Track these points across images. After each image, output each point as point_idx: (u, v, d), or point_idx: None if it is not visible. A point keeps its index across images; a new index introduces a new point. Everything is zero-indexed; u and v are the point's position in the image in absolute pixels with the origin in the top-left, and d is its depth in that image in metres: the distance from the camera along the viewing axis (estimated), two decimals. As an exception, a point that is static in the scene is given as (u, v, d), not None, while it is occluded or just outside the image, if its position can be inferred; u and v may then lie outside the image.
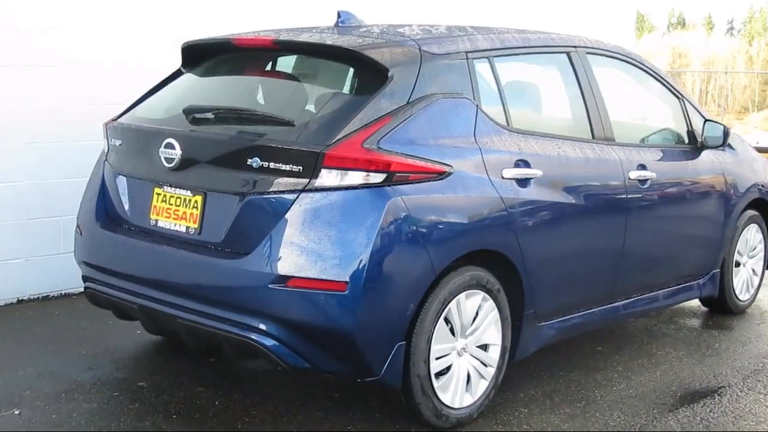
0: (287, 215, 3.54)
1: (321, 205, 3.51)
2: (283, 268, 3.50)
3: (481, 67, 4.14)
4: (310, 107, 3.83)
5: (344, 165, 3.51)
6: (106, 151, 4.34)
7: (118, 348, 4.83)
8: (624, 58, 5.05)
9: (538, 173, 4.13)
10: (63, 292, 5.80)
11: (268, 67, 4.23)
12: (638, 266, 4.87)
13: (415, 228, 3.59)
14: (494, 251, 3.95)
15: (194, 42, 4.33)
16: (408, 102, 3.74)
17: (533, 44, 4.51)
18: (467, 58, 4.07)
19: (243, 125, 3.81)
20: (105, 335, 5.01)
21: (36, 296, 5.69)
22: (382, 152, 3.56)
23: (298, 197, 3.54)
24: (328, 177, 3.52)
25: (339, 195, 3.52)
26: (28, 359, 4.60)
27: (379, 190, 3.53)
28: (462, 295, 3.83)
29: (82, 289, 5.85)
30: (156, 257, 3.89)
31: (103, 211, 4.22)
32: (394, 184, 3.56)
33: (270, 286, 3.51)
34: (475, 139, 3.93)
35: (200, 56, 4.41)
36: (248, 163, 3.61)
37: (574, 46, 4.70)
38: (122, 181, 4.15)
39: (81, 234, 4.30)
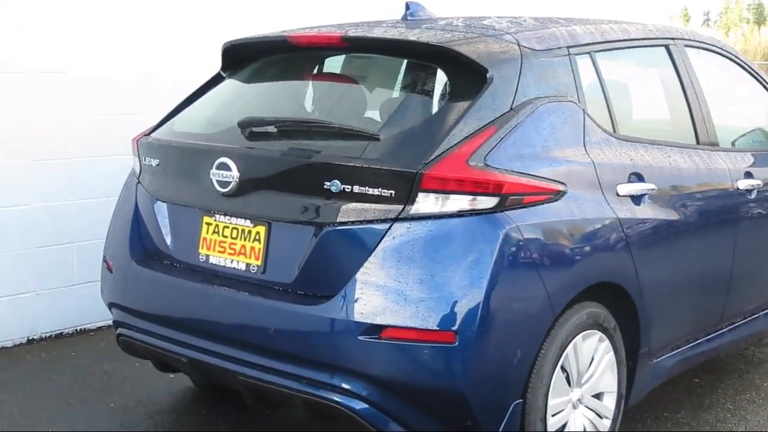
0: (377, 250, 2.89)
1: (419, 237, 2.87)
2: (376, 315, 2.85)
3: (583, 64, 3.50)
4: (394, 117, 3.17)
5: (446, 187, 2.87)
6: (137, 171, 3.67)
7: (151, 398, 4.17)
8: (720, 51, 4.43)
9: (652, 188, 3.51)
10: (78, 328, 5.13)
11: (331, 70, 3.57)
12: (746, 287, 4.27)
13: (532, 262, 2.95)
14: (611, 283, 3.32)
15: (239, 41, 3.67)
16: (511, 108, 3.10)
17: (633, 36, 3.87)
18: (569, 54, 3.43)
19: (315, 140, 3.15)
20: (134, 382, 4.34)
21: (48, 334, 5.01)
22: (491, 170, 2.92)
23: (390, 228, 2.89)
24: (425, 202, 2.88)
25: (441, 224, 2.87)
26: (49, 417, 3.93)
27: (491, 218, 2.89)
28: (579, 337, 3.20)
29: (99, 324, 5.23)
30: (208, 301, 3.23)
31: (139, 244, 3.55)
32: (506, 209, 2.91)
33: (359, 338, 2.86)
34: (585, 150, 3.30)
35: (245, 58, 3.75)
36: (325, 186, 2.96)
37: (672, 38, 4.09)
38: (162, 209, 3.48)
39: (111, 271, 3.63)
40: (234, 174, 3.15)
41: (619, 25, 3.85)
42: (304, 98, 3.47)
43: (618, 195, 3.35)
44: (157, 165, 3.50)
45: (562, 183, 3.11)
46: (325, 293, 2.97)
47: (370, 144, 3.01)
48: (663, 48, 4.02)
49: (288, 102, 3.50)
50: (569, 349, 3.16)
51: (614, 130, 3.51)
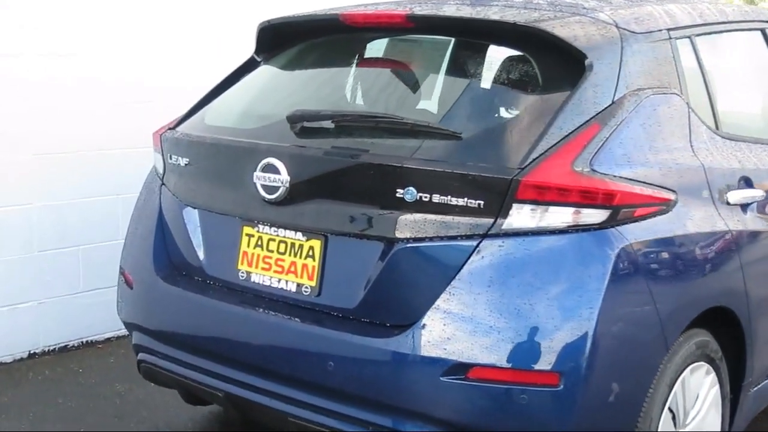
0: (463, 272, 2.40)
1: (514, 258, 2.38)
2: (462, 352, 2.36)
3: (684, 50, 3.00)
4: (478, 112, 2.66)
5: (546, 197, 2.38)
6: (161, 171, 3.16)
7: (171, 425, 3.67)
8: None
9: (760, 194, 3.02)
10: (84, 340, 4.62)
11: (389, 54, 3.05)
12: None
13: (645, 287, 2.47)
14: (721, 307, 2.83)
15: (280, 21, 3.16)
16: (613, 101, 2.60)
17: (730, 19, 3.37)
18: (670, 38, 2.93)
19: (383, 139, 2.65)
20: (150, 407, 3.85)
21: (52, 347, 4.50)
22: (599, 177, 2.42)
23: (478, 245, 2.40)
24: (520, 215, 2.38)
25: (540, 242, 2.38)
26: (58, 451, 3.43)
27: (601, 235, 2.39)
28: (687, 371, 2.72)
29: (107, 336, 4.73)
30: (250, 327, 2.74)
31: (164, 256, 3.05)
32: (617, 224, 2.42)
33: (441, 378, 2.36)
34: (693, 152, 2.81)
35: (285, 40, 3.23)
36: (397, 195, 2.46)
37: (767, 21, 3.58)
38: (192, 216, 2.97)
39: (131, 287, 3.12)
40: (283, 178, 2.64)
41: (715, 6, 3.35)
42: (360, 88, 2.95)
43: (728, 203, 2.86)
44: (187, 165, 2.99)
45: (673, 191, 2.62)
46: (398, 322, 2.47)
47: (452, 144, 2.51)
48: (759, 32, 3.52)
49: (341, 93, 2.99)
50: (677, 385, 2.68)
51: (717, 127, 3.03)
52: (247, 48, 3.33)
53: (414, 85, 2.84)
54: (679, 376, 2.67)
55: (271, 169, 2.67)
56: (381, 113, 2.74)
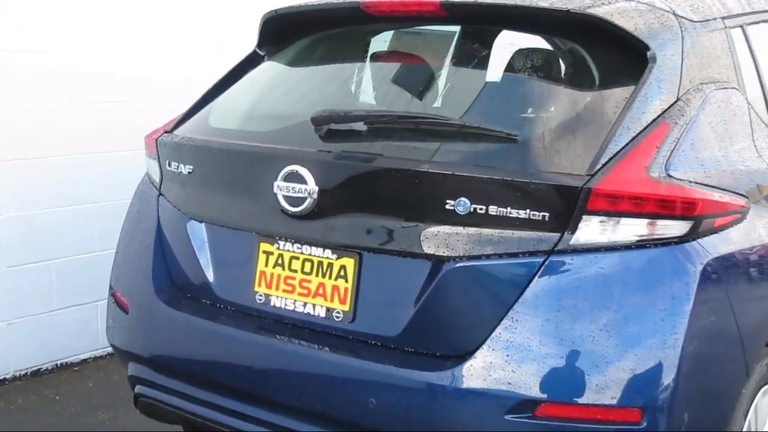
0: (526, 295, 2.10)
1: (585, 278, 2.08)
2: (528, 386, 2.06)
3: (738, 40, 2.74)
4: (533, 111, 2.36)
5: (619, 208, 2.09)
6: (157, 180, 2.80)
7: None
8: None
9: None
10: (59, 363, 4.24)
11: (418, 48, 2.73)
12: None
13: (729, 306, 2.20)
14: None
15: (290, 10, 2.82)
16: (678, 98, 2.32)
17: (775, 6, 3.12)
18: (725, 27, 2.66)
19: (426, 143, 2.33)
20: (140, 437, 3.48)
21: (23, 372, 4.12)
22: (676, 183, 2.13)
23: (543, 264, 2.10)
24: (590, 228, 2.09)
25: (614, 259, 2.09)
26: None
27: (683, 250, 2.11)
28: (759, 395, 2.46)
29: (84, 356, 4.34)
30: (269, 357, 2.41)
31: (165, 276, 2.70)
32: (698, 236, 2.14)
33: (506, 417, 2.06)
34: (757, 152, 2.55)
35: (293, 32, 2.90)
36: (447, 206, 2.15)
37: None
38: (198, 231, 2.63)
39: (126, 311, 2.77)
40: (310, 188, 2.31)
41: (757, -8, 3.10)
42: (387, 86, 2.63)
43: (794, 208, 2.60)
44: (191, 173, 2.64)
45: (744, 196, 2.36)
46: (449, 352, 2.17)
47: (507, 148, 2.21)
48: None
49: (366, 91, 2.66)
50: (751, 411, 2.41)
51: (773, 124, 2.77)
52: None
53: (451, 82, 2.53)
54: (752, 400, 2.41)
55: (295, 177, 2.34)
56: (423, 114, 2.41)
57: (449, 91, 2.46)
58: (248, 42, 3.00)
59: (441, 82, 2.51)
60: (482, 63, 2.46)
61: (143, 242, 2.79)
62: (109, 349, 4.26)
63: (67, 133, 4.10)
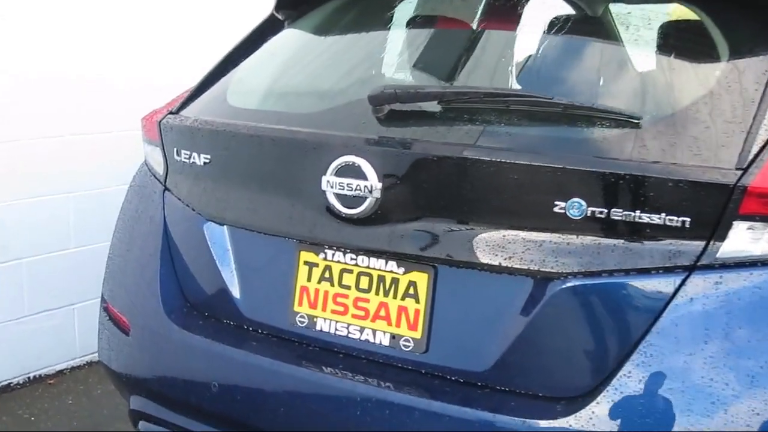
0: (664, 321, 1.65)
1: (739, 299, 1.63)
2: (672, 437, 1.60)
3: None
4: (650, 87, 1.88)
5: (776, 211, 1.63)
6: (161, 172, 2.30)
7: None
8: None
9: None
10: (31, 376, 3.71)
11: (496, 8, 2.22)
12: None
13: None
14: None
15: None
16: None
17: None
18: None
19: (522, 127, 1.85)
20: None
21: (-10, 388, 3.57)
22: None
23: (684, 282, 1.64)
24: (741, 236, 1.63)
25: (772, 276, 1.63)
26: None
27: None
28: None
29: (60, 367, 3.82)
30: (313, 394, 1.92)
31: (175, 291, 2.20)
32: None
33: (645, 479, 1.61)
34: None
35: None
36: (556, 209, 1.68)
37: None
38: (219, 236, 2.13)
39: (126, 332, 2.26)
40: (371, 184, 1.83)
41: None
42: (455, 57, 2.12)
43: None
44: (208, 164, 2.14)
45: None
46: (556, 394, 1.71)
47: (629, 136, 1.73)
48: None
49: (428, 63, 2.15)
50: None
51: None
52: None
53: (535, 53, 2.03)
54: None
55: (351, 171, 1.85)
56: (519, 91, 1.93)
57: (535, 64, 1.97)
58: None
59: (520, 52, 2.02)
60: (581, 29, 1.98)
61: (146, 248, 2.28)
62: (89, 358, 3.75)
63: (31, 114, 3.55)
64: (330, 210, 1.90)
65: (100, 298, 2.48)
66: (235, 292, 2.09)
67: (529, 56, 1.96)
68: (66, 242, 3.73)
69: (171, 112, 2.33)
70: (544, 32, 1.96)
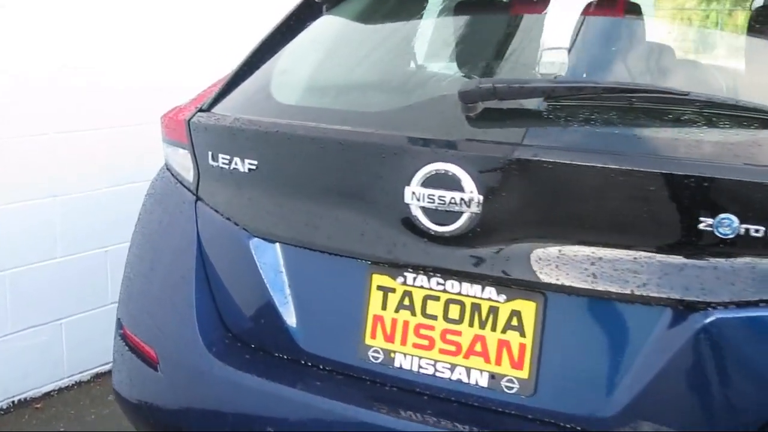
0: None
1: None
2: None
3: None
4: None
5: None
6: (191, 179, 1.98)
7: None
8: None
9: None
10: (15, 399, 3.36)
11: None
12: None
13: None
14: None
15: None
16: None
17: None
18: None
19: (652, 128, 1.56)
20: None
21: (-29, 415, 3.21)
22: None
23: None
24: None
25: None
26: None
27: None
28: None
29: (47, 389, 3.46)
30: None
31: (213, 318, 1.89)
32: None
33: None
34: None
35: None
36: (700, 226, 1.41)
37: None
38: (270, 255, 1.82)
39: (154, 366, 1.94)
40: (469, 197, 1.53)
41: None
42: (557, 45, 1.81)
43: None
44: (254, 171, 1.82)
45: None
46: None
47: (785, 135, 1.46)
48: None
49: (525, 52, 1.85)
50: None
51: None
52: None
53: (669, 37, 1.75)
54: None
55: (443, 181, 1.56)
56: (648, 86, 1.64)
57: (655, 54, 1.69)
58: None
59: (635, 39, 1.73)
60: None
61: (176, 268, 1.96)
62: (78, 377, 3.42)
63: (11, 110, 3.18)
64: (414, 226, 1.60)
65: (116, 322, 2.15)
66: (291, 320, 1.79)
67: (650, 44, 1.68)
68: (52, 251, 3.37)
69: (201, 110, 2.01)
70: (664, 15, 1.67)
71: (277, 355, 1.81)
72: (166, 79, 3.64)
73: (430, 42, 1.92)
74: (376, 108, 1.79)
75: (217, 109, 1.99)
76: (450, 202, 1.55)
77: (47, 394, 3.42)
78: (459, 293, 1.62)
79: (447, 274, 1.62)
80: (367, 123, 1.71)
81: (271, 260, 1.81)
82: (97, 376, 3.59)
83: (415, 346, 1.66)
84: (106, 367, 3.60)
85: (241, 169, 1.84)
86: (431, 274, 1.64)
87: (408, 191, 1.59)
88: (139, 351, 2.01)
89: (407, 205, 1.59)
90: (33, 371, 3.37)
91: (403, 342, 1.67)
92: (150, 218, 2.11)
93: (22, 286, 3.29)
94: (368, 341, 1.70)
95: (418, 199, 1.58)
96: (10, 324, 3.27)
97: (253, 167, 1.82)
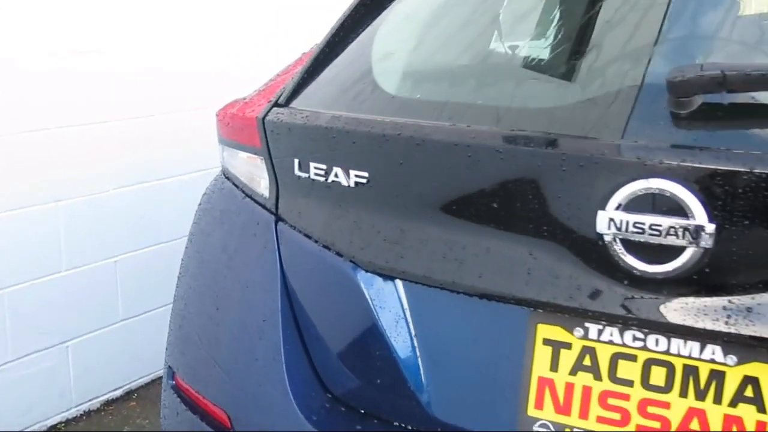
0: None
1: None
2: None
3: None
4: None
5: None
6: (267, 193, 1.54)
7: None
8: None
9: None
10: (18, 436, 2.90)
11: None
12: None
13: None
14: None
15: None
16: None
17: None
18: None
19: None
20: None
21: (-33, 458, 2.76)
22: None
23: None
24: None
25: None
26: None
27: None
28: None
29: (52, 422, 3.01)
30: None
31: (308, 375, 1.47)
32: None
33: None
34: None
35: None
36: None
37: None
38: (387, 293, 1.39)
39: (229, 426, 1.51)
40: (698, 225, 1.12)
41: None
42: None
43: None
44: (364, 185, 1.40)
45: None
46: None
47: None
48: None
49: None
50: None
51: None
52: None
53: None
54: None
55: (656, 204, 1.14)
56: None
57: None
58: None
59: None
60: None
61: (254, 309, 1.53)
62: (87, 406, 2.99)
63: (15, 103, 2.72)
64: (609, 264, 1.19)
65: (166, 370, 1.72)
66: (418, 380, 1.37)
67: None
68: (56, 264, 2.92)
69: (277, 104, 1.57)
70: None
71: (397, 424, 1.39)
72: (184, 64, 3.19)
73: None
74: (540, 102, 1.36)
75: (299, 104, 1.56)
76: (668, 233, 1.13)
77: (54, 428, 2.98)
78: (666, 352, 1.21)
79: (649, 326, 1.20)
80: (532, 123, 1.28)
81: (390, 302, 1.38)
82: (108, 403, 3.16)
83: (602, 420, 1.24)
84: (118, 393, 3.17)
85: (345, 183, 1.41)
86: (626, 325, 1.22)
87: (603, 218, 1.17)
88: (201, 410, 1.59)
89: (600, 235, 1.18)
90: (37, 403, 2.93)
91: (584, 414, 1.25)
92: (209, 242, 1.67)
93: (23, 306, 2.84)
94: (532, 412, 1.28)
95: (619, 229, 1.16)
96: (11, 351, 2.83)
97: (363, 180, 1.39)
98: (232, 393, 1.53)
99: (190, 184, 3.28)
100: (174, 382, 1.68)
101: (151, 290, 3.22)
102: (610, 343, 1.24)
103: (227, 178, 1.72)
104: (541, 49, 1.44)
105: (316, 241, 1.46)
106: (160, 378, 3.33)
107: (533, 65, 1.43)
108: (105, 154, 3.01)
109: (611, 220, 1.16)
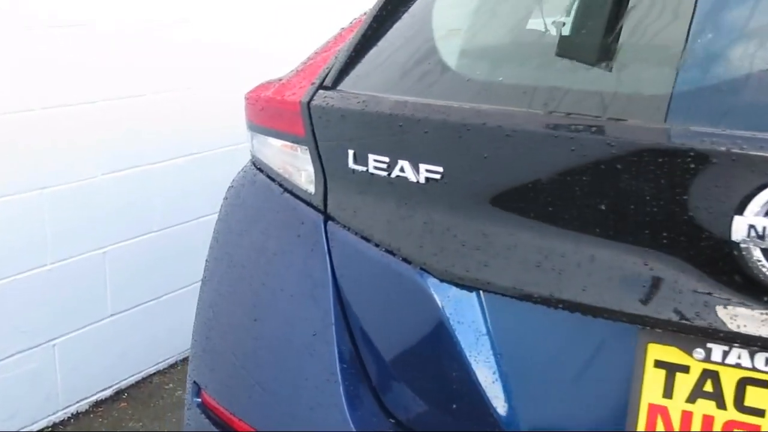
0: None
1: None
2: None
3: None
4: None
5: None
6: (317, 190, 1.35)
7: None
8: None
9: None
10: (7, 442, 2.69)
11: None
12: None
13: None
14: None
15: None
16: None
17: None
18: None
19: None
20: None
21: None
22: None
23: None
24: None
25: None
26: None
27: None
28: None
29: (42, 425, 2.79)
30: None
31: (367, 397, 1.28)
32: None
33: None
34: None
35: None
36: None
37: None
38: (466, 307, 1.22)
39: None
40: None
41: None
42: None
43: None
44: (437, 181, 1.21)
45: None
46: None
47: None
48: None
49: None
50: None
51: None
52: None
53: None
54: None
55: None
56: None
57: None
58: None
59: None
60: None
61: (301, 321, 1.34)
62: (75, 408, 2.79)
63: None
64: (748, 278, 1.01)
65: (190, 386, 1.53)
66: (502, 405, 1.19)
67: None
68: (41, 257, 2.70)
69: (323, 86, 1.37)
70: None
71: (475, 450, 1.22)
72: (177, 36, 2.97)
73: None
74: (654, 89, 1.17)
75: (348, 86, 1.36)
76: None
77: (55, 426, 2.78)
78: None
79: (787, 348, 1.04)
80: (645, 111, 1.10)
81: (469, 316, 1.20)
82: (97, 404, 2.96)
83: (731, 453, 1.08)
84: (107, 393, 2.97)
85: (413, 178, 1.23)
86: (756, 348, 1.06)
87: (740, 224, 1.00)
88: (237, 433, 1.39)
89: (736, 244, 1.01)
90: (22, 407, 2.72)
91: (705, 447, 1.09)
92: (240, 242, 1.48)
93: (5, 303, 2.62)
94: (639, 441, 1.11)
95: (761, 237, 0.99)
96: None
97: (436, 176, 1.21)
98: (277, 417, 1.34)
99: (184, 168, 3.07)
100: (200, 400, 1.49)
101: (142, 282, 3.02)
102: (738, 366, 1.07)
103: (259, 169, 1.52)
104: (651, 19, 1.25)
105: (377, 245, 1.28)
106: (152, 377, 3.14)
107: (640, 47, 1.24)
108: (92, 136, 2.79)
109: (752, 227, 0.99)
